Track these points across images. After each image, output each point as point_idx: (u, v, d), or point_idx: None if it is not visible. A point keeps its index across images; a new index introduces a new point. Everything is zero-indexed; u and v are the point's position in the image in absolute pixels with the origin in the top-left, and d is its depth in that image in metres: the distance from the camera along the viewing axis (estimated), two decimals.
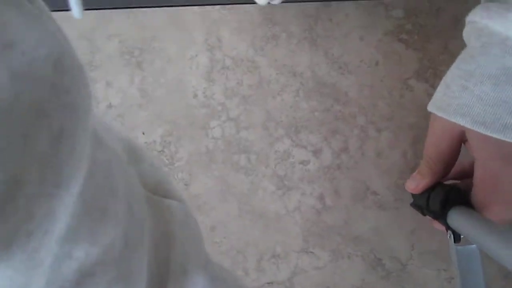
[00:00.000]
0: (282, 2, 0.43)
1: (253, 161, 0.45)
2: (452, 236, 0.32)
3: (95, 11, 0.47)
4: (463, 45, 0.33)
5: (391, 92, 0.46)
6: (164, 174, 0.25)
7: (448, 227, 0.32)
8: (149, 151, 0.25)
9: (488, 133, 0.28)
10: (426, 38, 0.47)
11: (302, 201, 0.45)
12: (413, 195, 0.36)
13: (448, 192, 0.32)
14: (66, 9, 0.36)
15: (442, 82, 0.32)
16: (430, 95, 0.35)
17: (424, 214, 0.36)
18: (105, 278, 0.17)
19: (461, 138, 0.32)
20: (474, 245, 0.32)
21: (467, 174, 0.34)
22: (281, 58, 0.46)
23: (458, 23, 0.46)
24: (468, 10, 0.32)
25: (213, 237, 0.44)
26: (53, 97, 0.14)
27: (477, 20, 0.30)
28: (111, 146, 0.20)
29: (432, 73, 0.46)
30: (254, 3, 0.42)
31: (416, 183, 0.34)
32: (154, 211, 0.22)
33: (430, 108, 0.33)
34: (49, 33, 0.15)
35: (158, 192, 0.24)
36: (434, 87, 0.44)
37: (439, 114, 0.31)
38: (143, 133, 0.45)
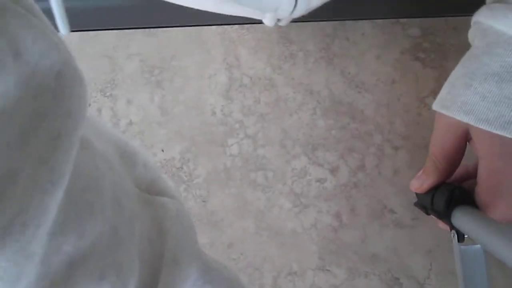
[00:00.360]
0: (295, 21, 0.44)
1: (270, 178, 0.45)
2: (456, 235, 0.32)
3: (117, 30, 0.48)
4: None
5: (408, 111, 0.46)
6: (157, 173, 0.26)
7: (452, 227, 0.32)
8: (144, 151, 0.26)
9: (492, 130, 0.28)
10: (443, 56, 0.47)
11: (318, 219, 0.45)
12: (417, 195, 0.36)
13: (453, 191, 0.32)
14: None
15: (447, 82, 0.33)
16: None
17: (428, 214, 0.35)
18: (95, 269, 0.18)
19: (465, 136, 0.32)
20: (478, 245, 0.32)
21: (471, 177, 0.34)
22: (298, 77, 0.47)
23: None
24: None
25: (230, 253, 0.44)
26: (53, 105, 0.16)
27: (482, 20, 0.31)
28: (100, 148, 0.21)
29: None
30: None
31: (421, 183, 0.34)
32: (148, 209, 0.23)
33: (435, 106, 0.33)
34: (53, 46, 0.16)
35: (152, 191, 0.25)
36: None
37: (444, 112, 0.31)
38: (162, 150, 0.46)
